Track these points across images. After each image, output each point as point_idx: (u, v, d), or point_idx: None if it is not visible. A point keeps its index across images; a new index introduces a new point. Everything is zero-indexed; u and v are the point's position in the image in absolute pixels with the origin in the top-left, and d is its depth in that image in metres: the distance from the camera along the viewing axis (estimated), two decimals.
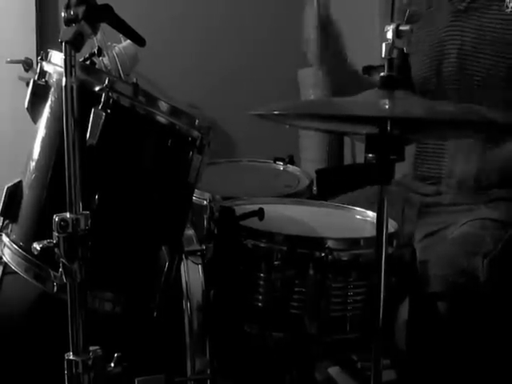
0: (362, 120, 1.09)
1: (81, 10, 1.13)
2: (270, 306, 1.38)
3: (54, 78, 1.35)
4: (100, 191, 1.28)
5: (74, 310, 1.14)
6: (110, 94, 1.27)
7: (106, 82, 1.27)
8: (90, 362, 1.15)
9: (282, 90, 3.28)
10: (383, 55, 1.10)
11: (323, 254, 1.34)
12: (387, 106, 1.05)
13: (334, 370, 1.79)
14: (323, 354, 1.65)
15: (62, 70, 1.13)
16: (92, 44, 1.34)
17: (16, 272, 1.35)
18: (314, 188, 1.92)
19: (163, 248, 1.40)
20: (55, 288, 1.26)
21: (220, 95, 3.44)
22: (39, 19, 3.26)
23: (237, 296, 1.43)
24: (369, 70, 1.14)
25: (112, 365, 1.20)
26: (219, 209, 1.49)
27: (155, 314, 1.40)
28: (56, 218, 1.11)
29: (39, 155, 1.36)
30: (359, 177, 1.77)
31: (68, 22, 1.14)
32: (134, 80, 1.33)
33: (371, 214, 1.59)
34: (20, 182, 1.38)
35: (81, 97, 1.13)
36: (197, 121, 1.38)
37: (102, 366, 1.18)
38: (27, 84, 1.38)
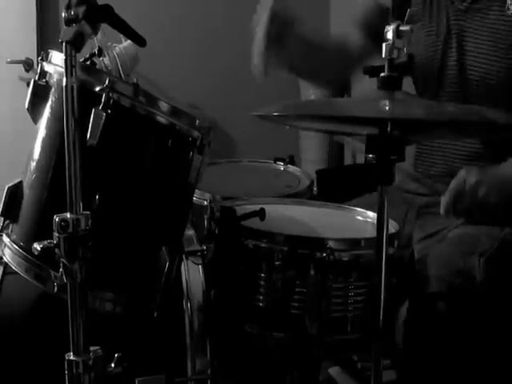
0: (362, 121, 1.09)
1: (81, 10, 1.13)
2: (270, 306, 1.38)
3: (55, 78, 1.36)
4: (100, 191, 1.28)
5: (75, 310, 1.14)
6: (111, 94, 1.27)
7: (107, 82, 1.27)
8: (90, 362, 1.15)
9: (282, 90, 3.28)
10: (383, 55, 1.10)
11: (324, 255, 1.34)
12: (387, 107, 1.05)
13: (334, 370, 1.80)
14: (324, 355, 1.65)
15: (63, 70, 1.13)
16: (92, 44, 1.35)
17: (16, 272, 1.35)
18: (315, 188, 1.92)
19: (163, 248, 1.40)
20: (56, 288, 1.26)
21: (220, 95, 3.44)
22: (40, 19, 3.27)
23: (237, 296, 1.43)
24: (370, 70, 1.14)
25: (112, 365, 1.20)
26: (220, 209, 1.49)
27: (156, 314, 1.40)
28: (56, 219, 1.11)
29: (40, 155, 1.36)
30: (359, 177, 1.77)
31: (68, 22, 1.14)
32: (135, 80, 1.33)
33: (372, 215, 1.59)
34: (20, 182, 1.38)
35: (81, 97, 1.13)
36: (197, 121, 1.38)
37: (103, 366, 1.18)
38: (28, 84, 1.38)
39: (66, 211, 1.12)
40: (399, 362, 1.50)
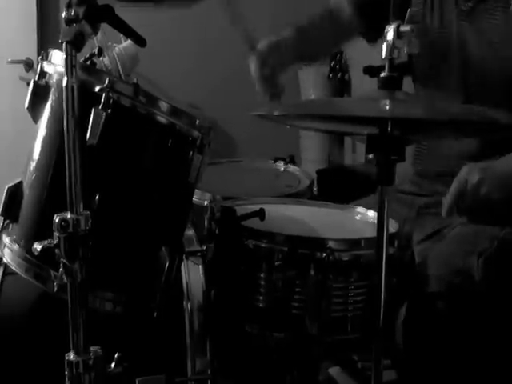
0: (362, 120, 1.09)
1: (81, 9, 1.13)
2: (270, 307, 1.38)
3: (55, 78, 1.35)
4: (100, 191, 1.28)
5: (75, 309, 1.14)
6: (111, 94, 1.27)
7: (107, 82, 1.27)
8: (90, 362, 1.15)
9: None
10: (383, 55, 1.10)
11: (324, 255, 1.34)
12: (388, 107, 1.05)
13: (334, 370, 1.80)
14: (324, 355, 1.65)
15: (63, 70, 1.13)
16: (92, 44, 1.34)
17: (16, 272, 1.35)
18: (315, 188, 1.91)
19: (164, 248, 1.40)
20: (56, 288, 1.26)
21: (221, 95, 3.44)
22: (40, 19, 3.27)
23: (237, 296, 1.43)
24: (370, 70, 1.14)
25: (112, 365, 1.20)
26: (220, 209, 1.49)
27: (156, 314, 1.40)
28: (56, 218, 1.11)
29: (40, 155, 1.36)
30: (360, 177, 1.77)
31: (69, 21, 1.14)
32: (135, 80, 1.33)
33: (372, 215, 1.59)
34: (20, 182, 1.38)
35: (81, 97, 1.13)
36: (197, 121, 1.38)
37: (103, 366, 1.18)
38: (28, 84, 1.38)
39: (66, 211, 1.12)
40: (399, 361, 1.50)
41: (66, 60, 1.12)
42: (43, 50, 1.41)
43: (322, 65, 3.40)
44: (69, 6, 1.13)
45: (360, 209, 1.66)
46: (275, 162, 2.08)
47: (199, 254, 1.49)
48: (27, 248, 1.29)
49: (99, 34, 1.20)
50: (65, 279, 1.13)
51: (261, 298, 1.39)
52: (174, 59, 3.44)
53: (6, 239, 1.37)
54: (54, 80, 1.35)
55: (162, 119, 1.33)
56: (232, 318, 1.46)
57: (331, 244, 1.36)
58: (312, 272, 1.35)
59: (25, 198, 1.37)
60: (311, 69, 3.33)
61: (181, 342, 1.41)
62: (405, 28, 1.08)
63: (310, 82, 3.44)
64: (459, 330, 1.43)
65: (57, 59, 1.35)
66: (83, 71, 1.27)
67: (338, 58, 3.33)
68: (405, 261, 1.51)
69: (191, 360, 1.39)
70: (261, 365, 1.54)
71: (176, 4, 3.50)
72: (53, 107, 1.35)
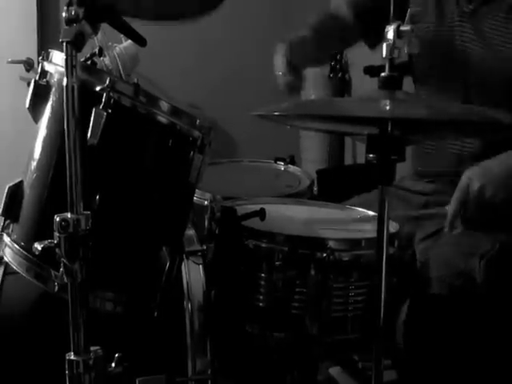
0: (362, 121, 1.09)
1: (82, 9, 1.13)
2: (271, 306, 1.38)
3: (55, 77, 1.36)
4: (101, 191, 1.28)
5: (75, 309, 1.14)
6: (111, 93, 1.27)
7: (107, 81, 1.27)
8: (90, 362, 1.15)
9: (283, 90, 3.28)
10: (384, 55, 1.10)
11: (324, 255, 1.34)
12: (388, 107, 1.05)
13: (334, 370, 1.80)
14: (324, 355, 1.65)
15: (63, 69, 1.13)
16: (93, 44, 1.34)
17: (17, 272, 1.35)
18: (315, 188, 1.92)
19: (164, 248, 1.40)
20: (56, 288, 1.26)
21: (221, 95, 3.44)
22: (40, 19, 3.26)
23: (238, 296, 1.43)
24: (370, 70, 1.14)
25: (113, 365, 1.20)
26: (220, 209, 1.49)
27: (156, 314, 1.40)
28: (57, 218, 1.11)
29: (40, 155, 1.36)
30: (360, 177, 1.77)
31: (69, 21, 1.14)
32: (135, 80, 1.33)
33: (372, 215, 1.59)
34: (21, 182, 1.38)
35: (82, 97, 1.13)
36: (198, 121, 1.38)
37: (103, 366, 1.18)
38: (28, 84, 1.38)
39: (67, 211, 1.12)
40: (400, 361, 1.50)
41: (67, 60, 1.12)
42: (43, 50, 1.41)
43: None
44: (69, 6, 1.13)
45: (360, 209, 1.66)
46: (275, 162, 2.08)
47: (199, 253, 1.49)
48: (28, 247, 1.29)
49: (99, 34, 1.20)
50: (65, 279, 1.13)
51: (261, 297, 1.39)
52: (175, 59, 3.43)
53: (6, 239, 1.37)
54: (55, 80, 1.35)
55: (162, 119, 1.33)
56: (232, 318, 1.46)
57: (331, 244, 1.36)
58: (312, 272, 1.35)
59: (25, 197, 1.37)
60: (311, 69, 3.32)
61: (181, 342, 1.41)
62: (405, 28, 1.08)
63: (311, 82, 3.44)
64: (460, 332, 1.43)
65: (57, 59, 1.35)
66: (84, 71, 1.27)
67: (338, 57, 3.32)
68: (405, 260, 1.51)
69: (192, 360, 1.39)
70: (261, 365, 1.54)
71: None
72: (53, 107, 1.35)
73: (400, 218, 1.55)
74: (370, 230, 1.46)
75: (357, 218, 1.62)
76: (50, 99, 1.35)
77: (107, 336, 1.22)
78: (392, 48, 1.08)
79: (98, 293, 1.31)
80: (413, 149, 1.81)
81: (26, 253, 1.32)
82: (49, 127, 1.35)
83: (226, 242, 1.47)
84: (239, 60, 3.48)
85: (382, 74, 1.10)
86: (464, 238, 1.55)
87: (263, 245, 1.39)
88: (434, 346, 1.43)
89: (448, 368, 1.44)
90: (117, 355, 1.20)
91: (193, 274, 1.47)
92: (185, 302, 1.44)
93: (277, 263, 1.36)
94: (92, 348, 1.16)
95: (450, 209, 1.47)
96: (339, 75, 3.36)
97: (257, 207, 1.46)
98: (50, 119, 1.36)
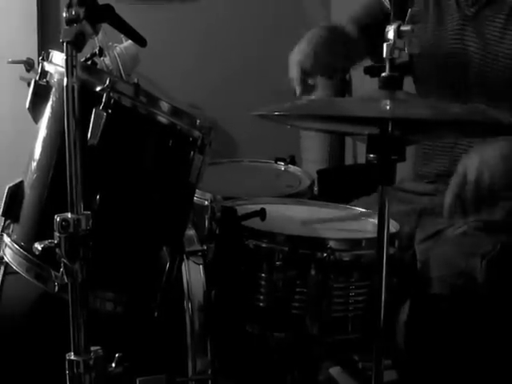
0: (363, 121, 1.09)
1: (82, 9, 1.13)
2: (271, 307, 1.38)
3: (56, 78, 1.36)
4: (101, 191, 1.28)
5: (76, 309, 1.14)
6: (112, 94, 1.27)
7: (108, 82, 1.27)
8: (91, 362, 1.15)
9: (283, 90, 3.29)
10: (384, 55, 1.10)
11: (325, 255, 1.34)
12: (388, 107, 1.05)
13: (335, 371, 1.79)
14: (325, 355, 1.65)
15: (64, 70, 1.13)
16: (93, 44, 1.34)
17: (17, 272, 1.35)
18: (316, 188, 1.92)
19: (164, 248, 1.40)
20: (56, 288, 1.26)
21: (221, 95, 3.44)
22: (40, 19, 3.26)
23: (238, 296, 1.43)
24: (371, 70, 1.14)
25: (113, 365, 1.20)
26: (221, 209, 1.49)
27: (156, 314, 1.40)
28: (57, 218, 1.11)
29: (40, 155, 1.36)
30: (360, 177, 1.77)
31: (69, 21, 1.14)
32: (135, 80, 1.33)
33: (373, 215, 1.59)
34: (21, 182, 1.38)
35: (82, 97, 1.13)
36: (198, 121, 1.38)
37: (103, 366, 1.18)
38: (28, 84, 1.38)
39: (67, 211, 1.12)
40: (400, 362, 1.50)
41: (67, 60, 1.12)
42: (44, 50, 1.41)
43: None
44: (69, 6, 1.13)
45: (360, 209, 1.66)
46: (276, 162, 2.08)
47: (200, 253, 1.49)
48: (28, 248, 1.29)
49: (100, 34, 1.20)
50: (65, 279, 1.13)
51: (261, 297, 1.39)
52: (175, 59, 3.43)
53: (7, 239, 1.37)
54: (55, 80, 1.35)
55: (162, 119, 1.33)
56: (233, 318, 1.46)
57: (332, 244, 1.36)
58: (313, 272, 1.35)
59: (26, 197, 1.37)
60: None
61: (181, 342, 1.41)
62: (405, 28, 1.08)
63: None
64: (461, 332, 1.42)
65: (58, 59, 1.35)
66: (84, 71, 1.27)
67: None
68: (406, 261, 1.51)
69: (192, 360, 1.40)
70: (261, 365, 1.54)
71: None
72: (53, 107, 1.35)
73: (401, 218, 1.55)
74: (370, 231, 1.46)
75: (358, 214, 1.62)
76: (50, 99, 1.35)
77: (107, 336, 1.22)
78: (392, 48, 1.08)
79: (99, 293, 1.31)
80: (413, 150, 1.81)
81: (26, 253, 1.32)
82: (49, 127, 1.35)
83: (226, 242, 1.47)
84: (239, 60, 3.48)
85: (383, 74, 1.10)
86: (465, 238, 1.55)
87: (263, 245, 1.39)
88: (435, 346, 1.43)
89: (449, 368, 1.44)
90: (117, 355, 1.20)
91: (193, 274, 1.47)
92: (185, 302, 1.44)
93: (277, 263, 1.36)
94: (92, 348, 1.16)
95: (447, 195, 1.46)
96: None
97: (257, 207, 1.46)
98: (50, 119, 1.36)
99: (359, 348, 1.56)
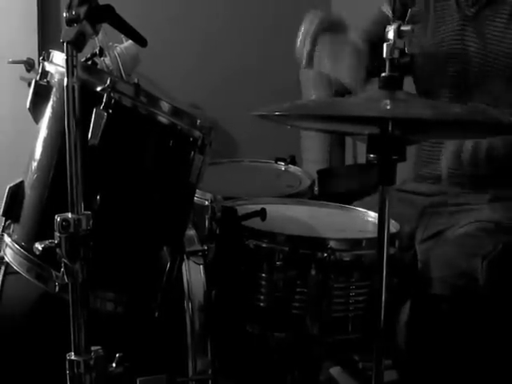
0: (363, 120, 1.09)
1: (82, 10, 1.13)
2: (271, 307, 1.38)
3: (56, 78, 1.36)
4: (102, 191, 1.28)
5: (76, 310, 1.14)
6: (112, 94, 1.27)
7: (108, 82, 1.27)
8: (91, 362, 1.15)
9: (283, 90, 3.29)
10: (384, 55, 1.10)
11: (325, 255, 1.34)
12: (388, 107, 1.05)
13: (335, 371, 1.79)
14: (325, 355, 1.65)
15: (64, 70, 1.13)
16: (93, 44, 1.34)
17: (18, 272, 1.35)
18: (316, 188, 1.92)
19: (165, 248, 1.40)
20: (57, 288, 1.26)
21: (222, 95, 3.44)
22: (41, 19, 3.26)
23: (238, 296, 1.43)
24: (371, 70, 1.14)
25: (114, 365, 1.20)
26: (221, 209, 1.49)
27: (157, 314, 1.40)
28: (58, 218, 1.11)
29: (41, 155, 1.36)
30: (361, 177, 1.77)
31: (70, 22, 1.14)
32: (136, 80, 1.33)
33: (373, 215, 1.59)
34: (22, 182, 1.38)
35: (82, 97, 1.13)
36: (198, 121, 1.38)
37: (104, 366, 1.18)
38: (29, 84, 1.38)
39: (68, 211, 1.12)
40: (401, 362, 1.50)
41: (67, 60, 1.12)
42: (44, 50, 1.41)
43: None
44: (70, 7, 1.13)
45: (361, 209, 1.66)
46: (276, 162, 2.08)
47: (200, 253, 1.50)
48: (29, 248, 1.29)
49: (100, 34, 1.20)
50: (66, 279, 1.13)
51: (262, 297, 1.39)
52: (175, 59, 3.43)
53: (7, 239, 1.37)
54: (56, 80, 1.35)
55: (163, 119, 1.33)
56: (233, 318, 1.46)
57: (332, 244, 1.36)
58: (313, 272, 1.35)
59: (26, 197, 1.37)
60: (312, 69, 3.33)
61: (182, 342, 1.41)
62: (405, 28, 1.08)
63: (311, 82, 3.44)
64: (462, 332, 1.42)
65: (58, 59, 1.35)
66: (84, 71, 1.27)
67: None
68: (406, 261, 1.51)
69: (192, 360, 1.40)
70: (262, 365, 1.54)
71: None
72: (54, 107, 1.35)
73: (402, 218, 1.55)
74: (371, 231, 1.46)
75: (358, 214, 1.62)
76: (51, 99, 1.35)
77: (108, 336, 1.22)
78: (392, 48, 1.08)
79: (99, 293, 1.31)
80: (414, 151, 1.81)
81: (26, 253, 1.32)
82: (49, 127, 1.35)
83: (226, 242, 1.47)
84: (240, 60, 3.48)
85: (383, 74, 1.10)
86: (466, 238, 1.55)
87: (264, 245, 1.40)
88: (436, 346, 1.43)
89: (449, 368, 1.44)
90: (118, 355, 1.20)
91: (193, 274, 1.47)
92: (185, 302, 1.44)
93: (277, 263, 1.36)
94: (93, 348, 1.16)
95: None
96: None
97: (257, 207, 1.46)
98: (50, 119, 1.36)
99: (359, 348, 1.56)
